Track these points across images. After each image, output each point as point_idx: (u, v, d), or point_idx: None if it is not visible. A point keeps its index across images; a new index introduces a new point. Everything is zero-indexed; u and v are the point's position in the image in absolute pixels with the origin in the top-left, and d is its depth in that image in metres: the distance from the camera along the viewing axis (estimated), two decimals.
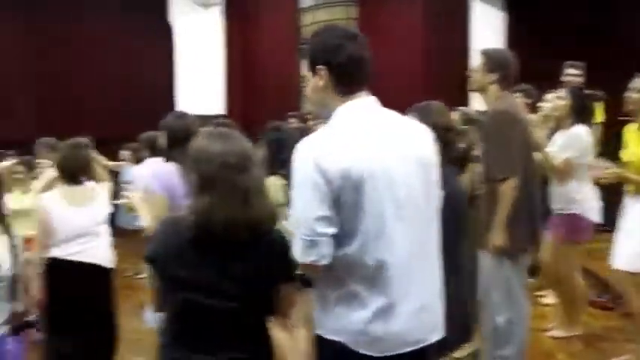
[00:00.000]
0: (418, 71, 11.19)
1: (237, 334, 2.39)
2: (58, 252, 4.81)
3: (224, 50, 12.14)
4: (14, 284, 3.33)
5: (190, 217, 2.31)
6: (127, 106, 12.08)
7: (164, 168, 4.11)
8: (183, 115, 4.37)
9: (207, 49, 12.06)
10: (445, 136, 3.61)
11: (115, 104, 12.21)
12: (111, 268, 5.13)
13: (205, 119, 7.30)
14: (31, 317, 3.67)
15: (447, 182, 2.70)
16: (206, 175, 2.33)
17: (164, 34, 12.12)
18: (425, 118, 3.39)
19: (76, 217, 4.80)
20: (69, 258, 4.81)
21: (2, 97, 12.48)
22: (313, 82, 2.44)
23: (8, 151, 8.18)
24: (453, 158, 3.70)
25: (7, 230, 3.36)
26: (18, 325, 3.39)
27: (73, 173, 4.85)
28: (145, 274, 7.29)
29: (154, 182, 4.08)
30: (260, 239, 2.33)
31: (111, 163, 8.63)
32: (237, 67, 12.14)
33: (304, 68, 2.48)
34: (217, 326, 2.37)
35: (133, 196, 4.10)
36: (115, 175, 7.74)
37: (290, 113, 9.10)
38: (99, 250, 4.98)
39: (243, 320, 2.39)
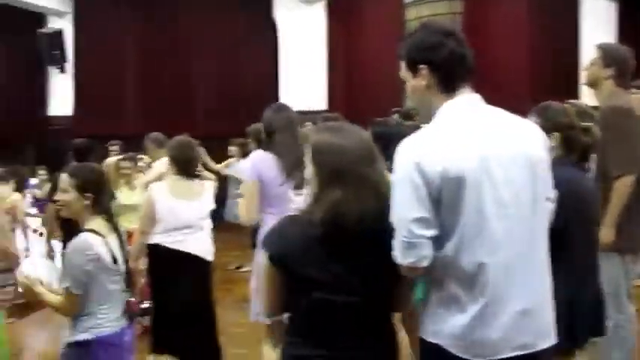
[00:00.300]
0: (524, 66, 10.91)
1: (361, 330, 2.36)
2: (161, 239, 5.00)
3: (327, 46, 12.18)
4: (126, 276, 3.43)
5: (318, 212, 2.28)
6: (232, 102, 12.32)
7: (261, 156, 4.31)
8: (281, 107, 4.52)
9: (311, 45, 12.13)
10: (570, 136, 3.50)
11: (221, 100, 12.48)
12: (210, 261, 5.26)
13: (309, 115, 7.35)
14: (143, 306, 3.78)
15: (578, 182, 2.60)
16: (336, 169, 2.29)
17: (268, 30, 12.27)
18: (546, 118, 3.34)
19: (180, 209, 4.97)
20: (171, 246, 4.98)
21: (113, 94, 12.99)
22: (414, 82, 2.39)
23: (113, 142, 8.46)
24: (579, 157, 3.58)
25: (116, 226, 3.44)
26: (131, 315, 3.47)
27: (183, 167, 5.03)
28: (248, 267, 7.46)
29: (248, 170, 4.28)
30: (386, 233, 2.28)
31: (218, 166, 8.83)
32: (340, 62, 12.15)
33: (401, 70, 2.43)
34: (342, 323, 2.34)
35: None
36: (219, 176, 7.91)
37: (394, 109, 9.03)
38: (200, 243, 5.14)
39: (368, 316, 2.36)
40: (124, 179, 6.58)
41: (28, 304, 6.79)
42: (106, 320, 3.34)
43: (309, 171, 2.40)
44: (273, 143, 4.31)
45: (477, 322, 2.24)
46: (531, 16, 11.06)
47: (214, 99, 12.54)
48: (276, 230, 2.46)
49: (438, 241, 2.23)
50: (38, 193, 9.21)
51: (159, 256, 5.03)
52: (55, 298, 3.37)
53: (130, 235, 5.68)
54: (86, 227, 3.30)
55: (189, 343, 5.07)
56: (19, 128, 13.31)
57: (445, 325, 2.28)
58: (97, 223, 3.32)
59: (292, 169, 4.20)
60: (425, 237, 2.21)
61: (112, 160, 6.83)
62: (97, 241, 3.25)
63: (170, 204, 4.94)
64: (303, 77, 12.06)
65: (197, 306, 5.11)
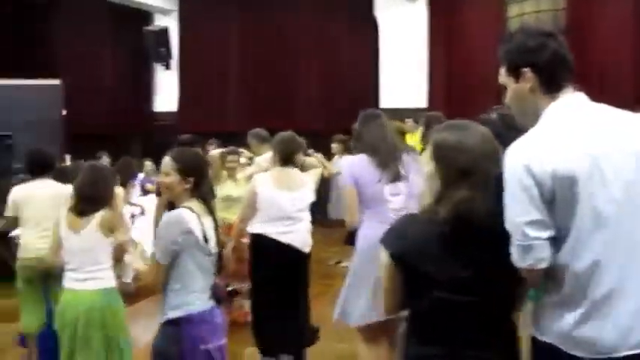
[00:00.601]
0: (628, 64, 10.61)
1: (482, 329, 2.36)
2: (264, 229, 5.19)
3: (428, 44, 12.14)
4: (217, 260, 3.52)
5: (442, 211, 2.28)
6: (332, 100, 12.44)
7: (353, 160, 4.43)
8: (369, 115, 4.61)
9: (411, 43, 12.12)
10: None
11: (322, 98, 12.61)
12: (308, 253, 5.41)
13: (409, 112, 7.38)
14: (230, 288, 3.82)
15: None
16: (461, 167, 2.28)
17: (369, 29, 12.32)
18: None
19: (282, 200, 5.15)
20: (273, 237, 5.16)
21: (216, 90, 13.32)
22: (516, 87, 2.39)
23: (210, 140, 8.66)
24: None
25: (212, 211, 3.55)
26: (218, 297, 3.52)
27: (287, 159, 5.21)
28: (347, 263, 7.54)
29: (344, 175, 4.40)
30: (508, 232, 2.27)
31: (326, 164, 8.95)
32: (441, 60, 12.08)
33: (501, 76, 2.43)
34: (463, 322, 2.34)
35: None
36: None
37: (495, 107, 8.95)
38: (299, 234, 5.30)
39: (489, 316, 2.36)
40: (229, 172, 6.68)
41: (136, 292, 7.13)
42: (195, 298, 3.40)
43: (429, 169, 2.38)
44: (363, 144, 4.41)
45: (590, 321, 2.23)
46: (637, 13, 10.73)
47: (315, 97, 12.69)
48: (395, 229, 2.45)
49: (555, 243, 2.23)
50: (150, 186, 9.46)
51: (261, 245, 5.22)
52: (141, 266, 3.54)
53: (231, 227, 5.90)
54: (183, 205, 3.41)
55: (284, 330, 5.26)
56: (126, 122, 13.84)
57: (558, 324, 2.27)
58: (194, 204, 3.41)
59: (387, 163, 4.28)
60: (541, 239, 2.20)
61: (216, 152, 7.00)
62: (191, 216, 3.33)
63: (272, 194, 5.11)
64: (404, 75, 12.06)
65: (294, 295, 5.31)
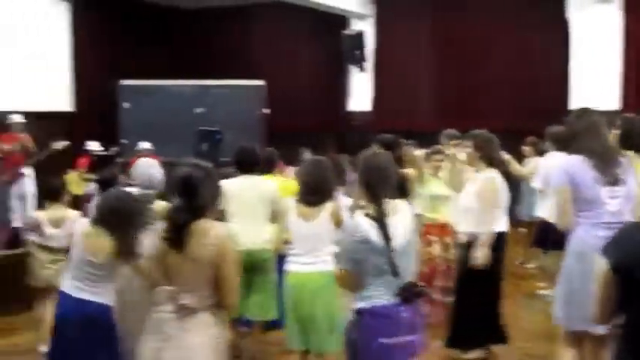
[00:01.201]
0: None
1: None
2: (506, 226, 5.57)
3: (622, 44, 11.73)
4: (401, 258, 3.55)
5: None
6: (524, 101, 12.36)
7: (570, 161, 4.34)
8: (583, 112, 4.60)
9: (604, 44, 11.77)
10: None
11: (513, 99, 12.55)
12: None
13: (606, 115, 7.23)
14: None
15: None
16: None
17: (560, 29, 12.10)
18: None
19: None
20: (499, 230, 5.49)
21: (409, 92, 13.62)
22: None
23: (407, 141, 8.91)
24: None
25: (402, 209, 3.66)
26: (408, 295, 3.55)
27: (491, 159, 5.46)
28: (533, 264, 7.57)
29: (559, 175, 4.35)
30: None
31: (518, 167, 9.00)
32: (635, 60, 11.65)
33: None
34: None
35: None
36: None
37: None
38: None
39: None
40: (434, 171, 6.80)
41: None
42: (379, 293, 3.50)
43: None
44: (578, 146, 4.32)
45: None
46: None
47: (505, 97, 12.64)
48: (618, 239, 2.40)
49: None
50: None
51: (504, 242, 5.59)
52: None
53: (439, 226, 6.14)
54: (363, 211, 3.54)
55: (484, 326, 5.51)
56: (322, 122, 14.56)
57: None
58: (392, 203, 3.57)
59: (605, 165, 4.20)
60: None
61: (421, 152, 7.21)
62: (366, 222, 3.47)
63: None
64: (595, 76, 11.73)
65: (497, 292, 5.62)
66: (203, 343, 3.36)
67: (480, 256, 5.28)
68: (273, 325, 5.67)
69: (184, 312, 3.33)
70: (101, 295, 4.17)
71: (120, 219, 4.09)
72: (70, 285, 4.21)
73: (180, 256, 3.31)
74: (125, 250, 4.07)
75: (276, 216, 5.39)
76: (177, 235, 3.29)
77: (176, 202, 3.35)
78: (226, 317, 3.77)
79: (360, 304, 3.54)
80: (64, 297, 4.21)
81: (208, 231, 3.33)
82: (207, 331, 3.39)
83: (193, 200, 3.31)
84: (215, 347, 3.43)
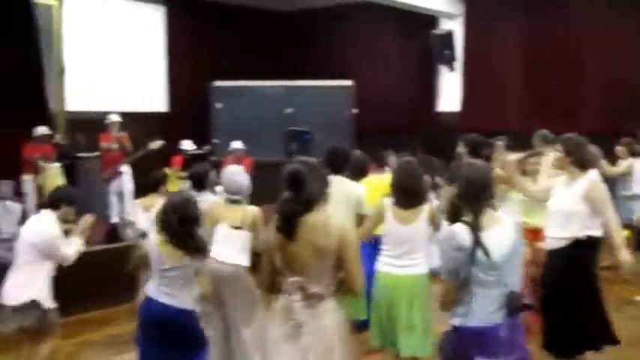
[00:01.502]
0: None
1: None
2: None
3: None
4: (503, 270, 3.51)
5: None
6: (618, 102, 12.05)
7: None
8: None
9: None
10: None
11: (607, 99, 12.26)
12: None
13: None
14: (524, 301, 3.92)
15: None
16: None
17: None
18: None
19: None
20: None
21: (499, 92, 13.47)
22: None
23: (498, 137, 8.80)
24: None
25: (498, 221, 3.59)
26: (512, 307, 3.53)
27: (583, 163, 5.27)
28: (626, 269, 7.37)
29: None
30: None
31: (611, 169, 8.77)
32: None
33: None
34: None
35: None
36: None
37: None
38: None
39: None
40: (531, 175, 6.48)
41: None
42: (477, 311, 3.49)
43: None
44: None
45: None
46: None
47: (598, 98, 12.34)
48: None
49: None
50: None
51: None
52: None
53: (533, 231, 6.04)
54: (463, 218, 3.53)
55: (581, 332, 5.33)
56: (410, 121, 14.55)
57: None
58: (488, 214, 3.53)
59: None
60: None
61: (515, 156, 7.04)
62: (463, 231, 3.46)
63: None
64: None
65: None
66: (334, 326, 3.59)
67: (626, 258, 5.14)
68: (364, 325, 5.72)
69: (313, 300, 3.55)
70: (180, 299, 4.36)
71: (183, 222, 4.26)
72: (153, 289, 4.43)
73: (299, 247, 3.50)
74: (194, 247, 4.31)
75: (360, 220, 5.42)
76: (288, 226, 3.49)
77: (285, 195, 3.56)
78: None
79: (457, 321, 3.57)
80: (148, 300, 4.44)
81: (326, 222, 3.53)
82: (334, 315, 3.61)
83: (301, 193, 3.50)
84: (343, 329, 3.65)
